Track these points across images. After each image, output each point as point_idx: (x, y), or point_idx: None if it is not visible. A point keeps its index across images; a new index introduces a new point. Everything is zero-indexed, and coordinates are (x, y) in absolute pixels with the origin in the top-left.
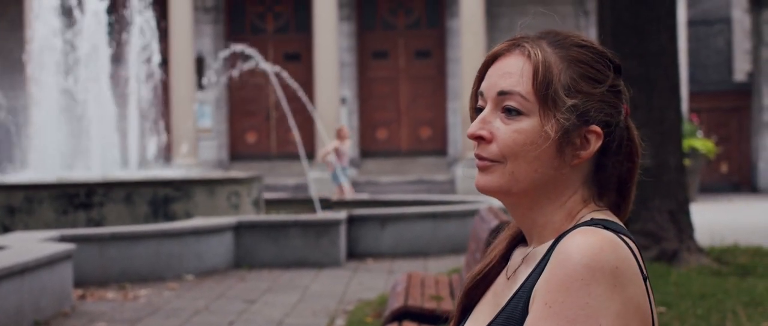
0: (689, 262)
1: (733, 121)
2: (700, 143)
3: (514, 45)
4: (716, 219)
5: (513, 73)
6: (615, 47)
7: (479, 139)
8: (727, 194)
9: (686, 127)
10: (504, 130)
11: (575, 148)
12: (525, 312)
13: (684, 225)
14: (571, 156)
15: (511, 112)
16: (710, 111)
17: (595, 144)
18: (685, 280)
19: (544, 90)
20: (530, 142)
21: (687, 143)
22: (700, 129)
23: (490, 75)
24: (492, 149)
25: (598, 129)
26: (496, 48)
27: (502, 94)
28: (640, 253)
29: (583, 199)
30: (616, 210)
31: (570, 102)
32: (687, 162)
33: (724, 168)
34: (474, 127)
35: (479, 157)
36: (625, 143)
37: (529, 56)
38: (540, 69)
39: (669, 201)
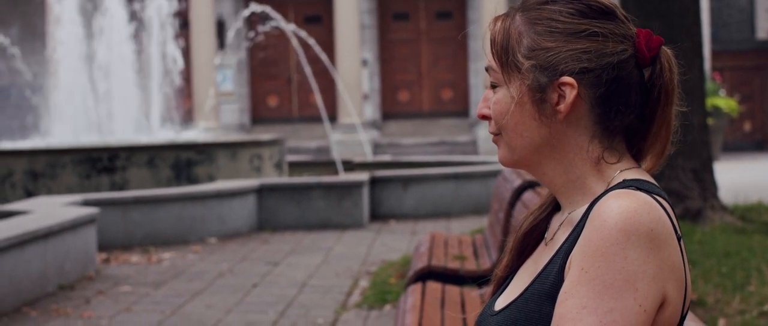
0: (713, 220)
1: (756, 79)
2: (723, 102)
3: (494, 20)
4: (740, 178)
5: (485, 49)
6: (638, 7)
7: (485, 117)
8: (750, 152)
9: (709, 86)
10: (491, 105)
11: (554, 105)
12: (560, 277)
13: (708, 184)
14: (553, 112)
15: (493, 86)
16: (733, 70)
17: (571, 94)
18: (709, 238)
19: (503, 57)
20: (506, 111)
21: (710, 102)
22: (722, 88)
23: None
24: (492, 124)
25: (568, 79)
26: (487, 26)
27: (487, 70)
28: (674, 212)
29: (597, 154)
30: (643, 154)
31: (528, 63)
32: (710, 121)
33: (747, 126)
34: (479, 108)
35: (491, 133)
36: (638, 84)
37: (492, 29)
38: (497, 38)
39: (693, 160)
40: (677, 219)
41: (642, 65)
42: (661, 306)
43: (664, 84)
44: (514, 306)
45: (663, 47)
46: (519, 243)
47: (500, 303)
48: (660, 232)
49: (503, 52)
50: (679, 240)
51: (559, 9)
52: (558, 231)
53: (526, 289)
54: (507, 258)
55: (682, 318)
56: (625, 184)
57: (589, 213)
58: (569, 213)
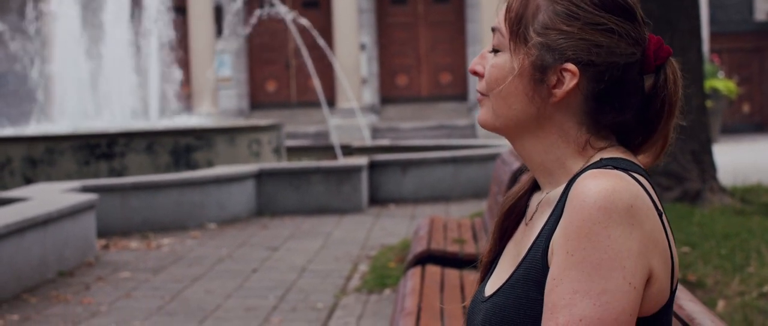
0: (712, 202)
1: (755, 61)
2: (722, 84)
3: None
4: (739, 160)
5: (499, 10)
6: None
7: (476, 73)
8: (749, 134)
9: (707, 68)
10: (488, 66)
11: (550, 87)
12: (544, 261)
13: (707, 166)
14: (548, 93)
15: (495, 50)
16: (731, 51)
17: (570, 82)
18: (708, 220)
19: (515, 26)
20: (502, 77)
21: (708, 84)
22: (721, 70)
23: None
24: (482, 83)
25: (572, 67)
26: None
27: (493, 30)
28: (654, 188)
29: (583, 139)
30: (639, 152)
31: (538, 39)
32: (709, 103)
33: (746, 108)
34: (473, 62)
35: (478, 90)
36: (639, 90)
37: None
38: (514, 4)
39: (691, 142)
40: (672, 202)
41: (645, 71)
42: (648, 281)
43: (668, 95)
44: (502, 293)
45: (670, 59)
46: (499, 225)
47: (489, 288)
48: (640, 208)
49: (516, 20)
50: (660, 215)
51: None
52: (536, 212)
53: (512, 275)
54: (490, 243)
55: (672, 293)
56: (602, 163)
57: (567, 193)
58: (547, 193)
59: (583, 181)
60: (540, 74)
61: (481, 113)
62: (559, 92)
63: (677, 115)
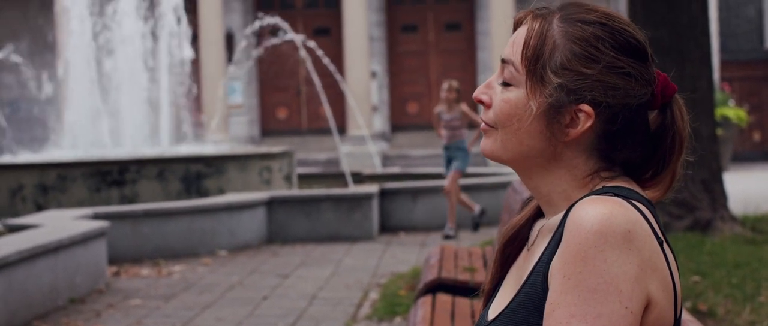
0: (723, 231)
1: (765, 89)
2: (732, 112)
3: (530, 14)
4: (750, 188)
5: (517, 43)
6: (646, 17)
7: (481, 102)
8: (760, 163)
9: (718, 96)
10: (497, 98)
11: (564, 126)
12: (544, 286)
13: (717, 194)
14: (561, 132)
15: (506, 83)
16: (742, 80)
17: (585, 123)
18: (719, 249)
19: (532, 64)
20: (515, 114)
21: (719, 112)
22: (731, 98)
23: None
24: (489, 114)
25: (588, 108)
26: (517, 15)
27: (503, 61)
28: (656, 217)
29: (590, 171)
30: (647, 187)
31: (557, 80)
32: (719, 131)
33: (756, 136)
34: (478, 91)
35: (482, 121)
36: (647, 128)
37: (528, 27)
38: (531, 42)
39: (702, 171)
40: (683, 231)
41: (651, 108)
42: (647, 307)
43: (678, 131)
44: (503, 318)
45: (675, 95)
46: (501, 253)
47: (491, 313)
48: (637, 233)
49: (533, 59)
50: (661, 243)
51: (602, 36)
52: (538, 238)
53: (513, 300)
54: (492, 270)
55: (677, 321)
56: (603, 190)
57: (566, 219)
58: (548, 220)
59: (582, 206)
60: (554, 113)
61: (487, 144)
62: (573, 132)
63: (686, 151)
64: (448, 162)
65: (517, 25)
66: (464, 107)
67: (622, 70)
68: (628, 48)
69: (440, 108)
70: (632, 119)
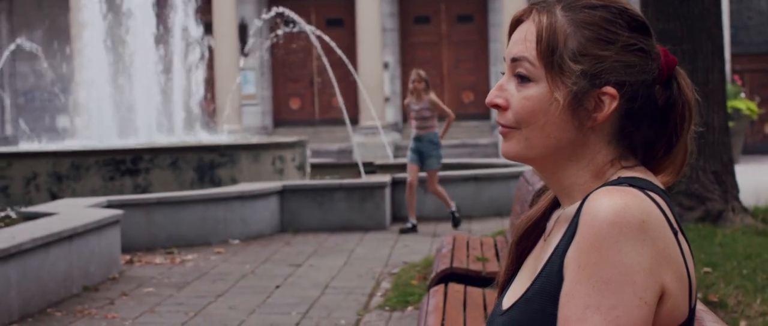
0: (734, 223)
1: None
2: (744, 104)
3: (530, 10)
4: (761, 180)
5: (524, 40)
6: (658, 9)
7: (496, 106)
8: None
9: (729, 88)
10: (516, 97)
11: (589, 111)
12: (560, 276)
13: (729, 186)
14: (586, 118)
15: (522, 79)
16: (753, 72)
17: (610, 105)
18: (730, 241)
19: (548, 56)
20: (540, 109)
21: (730, 104)
22: (743, 90)
23: (511, 41)
24: (508, 116)
25: (612, 90)
26: (516, 13)
27: (514, 60)
28: (671, 208)
29: (609, 159)
30: (661, 169)
31: (577, 68)
32: (731, 123)
33: (767, 129)
34: (491, 95)
35: (499, 124)
36: (658, 103)
37: (536, 22)
38: (544, 34)
39: (713, 162)
40: (694, 222)
41: (659, 83)
42: (661, 298)
43: (687, 100)
44: (518, 307)
45: (677, 66)
46: (516, 244)
47: (506, 302)
48: (652, 224)
49: (548, 51)
50: (676, 234)
51: (610, 18)
52: (554, 228)
53: (528, 289)
54: (507, 261)
55: (691, 312)
56: (619, 181)
57: (581, 209)
58: (565, 209)
59: (596, 197)
60: (579, 100)
61: (510, 146)
62: (600, 116)
63: (695, 121)
64: (419, 154)
65: (516, 23)
66: (433, 96)
67: (636, 47)
68: (635, 25)
69: (409, 99)
70: (650, 95)
